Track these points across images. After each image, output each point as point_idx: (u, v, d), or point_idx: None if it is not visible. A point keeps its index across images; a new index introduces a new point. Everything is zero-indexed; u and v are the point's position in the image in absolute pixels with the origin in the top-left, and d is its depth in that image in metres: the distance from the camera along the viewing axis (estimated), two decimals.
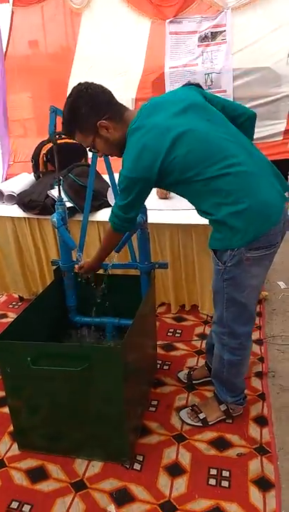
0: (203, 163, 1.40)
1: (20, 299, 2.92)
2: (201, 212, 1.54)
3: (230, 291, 1.55)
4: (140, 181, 1.45)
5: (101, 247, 1.81)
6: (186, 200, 1.59)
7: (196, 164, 1.40)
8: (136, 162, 1.42)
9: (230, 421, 1.81)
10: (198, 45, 3.79)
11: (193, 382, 2.04)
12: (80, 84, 1.49)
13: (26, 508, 1.50)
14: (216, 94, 1.61)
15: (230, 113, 1.56)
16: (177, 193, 1.59)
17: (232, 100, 1.60)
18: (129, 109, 1.54)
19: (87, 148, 1.60)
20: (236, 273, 1.50)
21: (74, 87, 1.49)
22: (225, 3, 3.55)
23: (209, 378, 1.99)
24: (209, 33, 3.74)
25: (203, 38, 3.77)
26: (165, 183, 1.49)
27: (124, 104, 1.55)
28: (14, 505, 1.51)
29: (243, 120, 1.59)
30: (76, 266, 1.98)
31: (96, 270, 1.94)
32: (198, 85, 1.80)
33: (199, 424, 1.80)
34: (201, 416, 1.81)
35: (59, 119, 1.90)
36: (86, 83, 1.48)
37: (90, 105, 1.46)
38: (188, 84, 1.68)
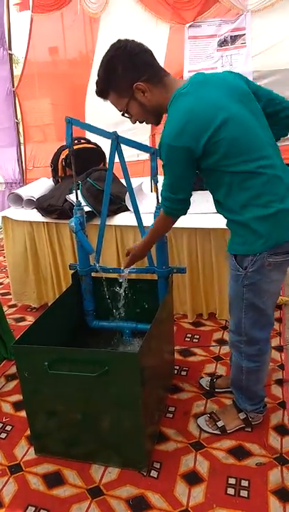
0: (244, 155, 1.33)
1: None
2: (225, 210, 1.47)
3: (249, 297, 1.51)
4: (184, 152, 1.32)
5: (152, 232, 1.68)
6: (204, 204, 1.55)
7: (239, 154, 1.33)
8: (182, 128, 1.30)
9: (250, 429, 1.77)
10: (218, 50, 3.79)
11: (216, 390, 1.99)
12: (118, 40, 1.38)
13: None
14: (261, 86, 1.50)
15: (276, 106, 1.49)
16: (207, 183, 1.48)
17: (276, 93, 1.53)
18: (173, 77, 1.43)
19: (120, 113, 1.47)
20: (257, 279, 1.46)
21: (112, 44, 1.39)
22: (244, 6, 3.54)
23: None
24: (229, 37, 3.73)
25: (223, 42, 3.75)
26: (202, 165, 1.39)
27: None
28: (30, 510, 1.50)
29: (285, 115, 1.50)
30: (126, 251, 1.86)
31: (143, 257, 1.82)
32: None
33: (217, 432, 1.76)
34: (220, 424, 1.77)
35: (75, 128, 1.91)
36: (125, 40, 1.37)
37: (127, 65, 1.35)
38: None
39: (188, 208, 1.53)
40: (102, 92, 1.43)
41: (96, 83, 1.43)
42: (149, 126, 3.90)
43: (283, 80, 3.31)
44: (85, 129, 1.94)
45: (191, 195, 1.48)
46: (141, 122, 1.50)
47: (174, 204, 1.47)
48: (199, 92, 1.33)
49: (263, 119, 1.43)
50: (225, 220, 1.55)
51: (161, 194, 1.50)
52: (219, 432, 1.76)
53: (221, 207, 1.50)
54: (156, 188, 1.97)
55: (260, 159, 1.35)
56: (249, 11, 3.54)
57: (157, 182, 1.93)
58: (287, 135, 1.57)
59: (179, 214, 1.54)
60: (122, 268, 1.87)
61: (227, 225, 1.53)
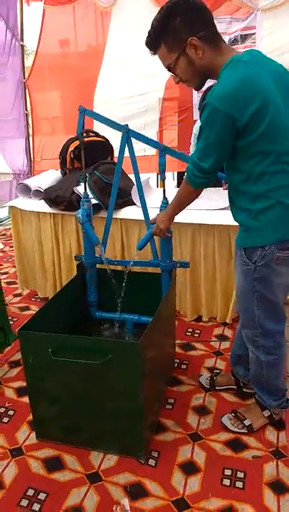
0: (276, 143, 1.34)
1: None
2: (239, 196, 1.48)
3: (260, 289, 1.53)
4: (226, 118, 1.29)
5: (175, 199, 1.63)
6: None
7: (273, 139, 1.33)
8: (233, 93, 1.27)
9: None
10: None
11: (216, 388, 2.00)
12: None
13: (42, 496, 1.52)
14: None
15: None
16: (229, 165, 1.46)
17: None
18: (228, 45, 1.40)
19: (167, 69, 1.41)
20: (266, 272, 1.49)
21: None
22: (255, 5, 3.53)
23: (234, 386, 1.97)
24: (239, 36, 3.73)
25: (233, 41, 3.75)
26: (236, 143, 1.36)
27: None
28: (30, 492, 1.54)
29: None
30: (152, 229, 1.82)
31: (168, 226, 1.77)
32: None
33: (244, 430, 1.75)
34: (247, 422, 1.75)
35: (87, 119, 1.93)
36: None
37: (186, 16, 1.32)
38: None
39: (210, 183, 1.48)
40: (153, 43, 1.39)
41: (148, 33, 1.39)
42: (157, 122, 3.92)
43: None
44: (97, 119, 1.96)
45: (216, 170, 1.43)
46: (184, 82, 1.45)
47: (196, 170, 1.43)
48: (257, 67, 1.32)
49: None
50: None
51: (190, 157, 1.46)
52: (246, 431, 1.75)
53: (235, 193, 1.50)
54: (164, 184, 1.99)
55: (283, 155, 1.36)
56: (259, 10, 3.54)
57: (164, 179, 1.95)
58: None
59: (197, 182, 1.47)
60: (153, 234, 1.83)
61: (236, 219, 1.55)
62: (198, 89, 1.48)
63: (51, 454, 1.70)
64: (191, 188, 1.51)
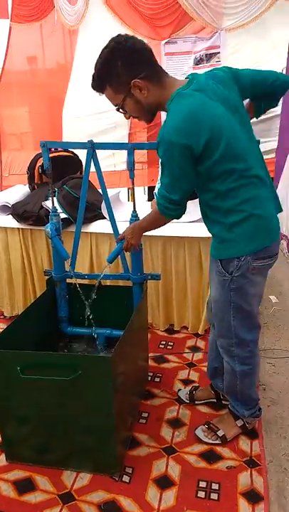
0: (235, 162, 1.37)
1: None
2: (212, 212, 1.50)
3: (236, 300, 1.54)
4: (185, 150, 1.31)
5: (148, 220, 1.66)
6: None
7: (231, 159, 1.36)
8: (185, 125, 1.30)
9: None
10: (194, 68, 3.89)
11: (196, 402, 1.98)
12: (119, 35, 1.37)
13: None
14: (246, 69, 1.51)
15: (262, 83, 1.49)
16: (197, 186, 1.48)
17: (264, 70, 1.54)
18: (172, 77, 1.43)
19: (116, 108, 1.46)
20: (242, 282, 1.51)
21: (112, 38, 1.37)
22: (218, 25, 3.65)
23: (213, 400, 1.97)
24: (204, 55, 3.83)
25: (199, 61, 3.86)
26: (199, 168, 1.39)
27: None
28: None
29: (275, 84, 1.49)
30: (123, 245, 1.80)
31: (138, 243, 1.80)
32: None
33: (218, 441, 1.74)
34: (220, 433, 1.75)
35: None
36: (126, 35, 1.37)
37: (126, 60, 1.35)
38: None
39: (183, 213, 1.51)
40: (98, 86, 1.43)
41: (92, 76, 1.41)
42: (127, 138, 3.96)
43: None
44: (61, 148, 1.97)
45: (186, 199, 1.46)
46: (134, 118, 1.50)
47: (167, 203, 1.45)
48: (202, 95, 1.34)
49: (250, 127, 1.47)
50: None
51: (158, 191, 1.48)
52: (220, 442, 1.74)
53: (208, 208, 1.52)
54: (134, 197, 2.00)
55: (246, 170, 1.39)
56: (223, 30, 3.66)
57: (133, 177, 1.92)
58: (278, 102, 1.61)
59: (170, 214, 1.49)
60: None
61: (210, 231, 1.57)
62: (149, 123, 1.52)
63: (22, 475, 1.64)
64: (164, 218, 1.54)
